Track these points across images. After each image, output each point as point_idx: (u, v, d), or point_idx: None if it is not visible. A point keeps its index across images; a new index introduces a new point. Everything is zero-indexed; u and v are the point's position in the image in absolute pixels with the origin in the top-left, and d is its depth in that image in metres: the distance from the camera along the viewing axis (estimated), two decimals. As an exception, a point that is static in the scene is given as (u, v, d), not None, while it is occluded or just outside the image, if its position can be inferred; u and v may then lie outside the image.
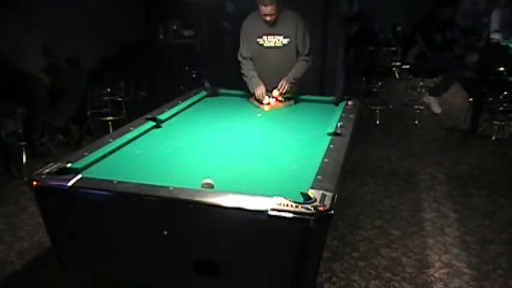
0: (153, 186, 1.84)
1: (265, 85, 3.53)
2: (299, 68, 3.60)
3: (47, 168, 2.01)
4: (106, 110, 5.10)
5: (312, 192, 1.81)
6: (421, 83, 6.19)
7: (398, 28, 8.31)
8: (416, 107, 5.96)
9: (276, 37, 3.57)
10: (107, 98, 5.11)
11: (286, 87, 3.46)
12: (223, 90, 3.79)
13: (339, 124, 2.75)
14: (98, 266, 2.10)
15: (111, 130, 4.72)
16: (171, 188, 1.81)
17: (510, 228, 3.31)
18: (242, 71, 3.70)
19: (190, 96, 3.52)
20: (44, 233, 2.81)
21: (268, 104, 3.40)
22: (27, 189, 2.59)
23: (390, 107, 6.28)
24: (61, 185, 1.87)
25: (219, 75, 5.52)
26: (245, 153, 2.48)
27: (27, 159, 4.01)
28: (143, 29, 6.73)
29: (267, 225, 1.67)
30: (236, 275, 1.86)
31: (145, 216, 1.87)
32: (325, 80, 5.84)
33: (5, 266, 2.76)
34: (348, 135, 2.61)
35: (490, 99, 5.22)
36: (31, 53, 4.16)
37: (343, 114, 3.05)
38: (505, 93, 5.09)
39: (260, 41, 3.61)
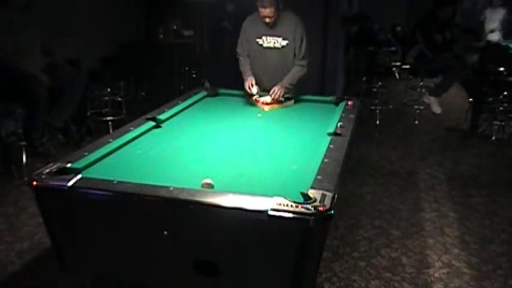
0: (153, 186, 1.84)
1: (265, 85, 3.55)
2: (294, 73, 3.60)
3: (47, 168, 2.01)
4: (106, 110, 5.11)
5: (312, 192, 1.81)
6: (421, 83, 6.20)
7: (398, 28, 8.31)
8: (416, 107, 5.96)
9: (275, 38, 3.58)
10: (107, 98, 5.11)
11: (278, 93, 3.46)
12: (223, 90, 3.80)
13: (339, 124, 2.75)
14: (98, 266, 2.10)
15: (111, 130, 4.73)
16: (171, 188, 1.81)
17: (510, 228, 3.31)
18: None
19: (190, 96, 3.52)
20: (44, 233, 2.81)
21: (258, 101, 3.43)
22: (27, 189, 2.58)
23: (390, 107, 6.28)
24: (61, 185, 1.87)
25: (219, 75, 5.53)
26: (245, 153, 2.48)
27: (27, 159, 4.01)
28: (143, 29, 6.73)
29: (267, 225, 1.67)
30: (236, 275, 1.86)
31: (145, 216, 1.87)
32: (325, 80, 5.84)
33: (5, 266, 2.75)
34: (348, 135, 2.61)
35: (490, 99, 5.22)
36: (31, 53, 4.16)
37: (343, 114, 3.06)
38: (505, 93, 5.09)
39: (260, 41, 3.62)
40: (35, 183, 1.92)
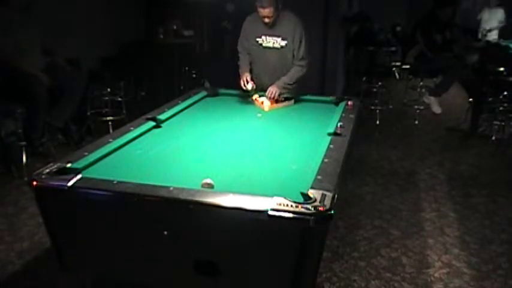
0: (153, 186, 1.84)
1: (265, 84, 3.55)
2: (291, 74, 3.60)
3: (47, 168, 2.00)
4: (106, 110, 5.11)
5: (312, 192, 1.81)
6: (421, 83, 6.20)
7: (398, 28, 8.32)
8: (416, 107, 5.97)
9: (274, 38, 3.58)
10: (107, 98, 5.11)
11: (274, 94, 3.45)
12: (223, 90, 3.79)
13: (339, 124, 2.75)
14: (98, 266, 2.10)
15: (111, 130, 4.73)
16: (171, 188, 1.81)
17: (510, 228, 3.31)
18: None
19: (190, 96, 3.52)
20: (44, 233, 2.81)
21: (257, 101, 3.43)
22: (27, 189, 2.58)
23: (390, 107, 6.28)
24: (61, 185, 1.87)
25: (219, 75, 5.52)
26: (245, 153, 2.48)
27: (27, 159, 4.01)
28: (143, 29, 6.73)
29: (267, 225, 1.67)
30: (236, 275, 1.86)
31: (145, 216, 1.87)
32: (325, 80, 5.84)
33: (5, 266, 2.76)
34: (348, 135, 2.61)
35: (490, 99, 5.22)
36: (31, 53, 4.16)
37: (343, 114, 3.06)
38: (505, 93, 5.09)
39: (259, 40, 3.62)
40: (35, 183, 1.92)
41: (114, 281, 2.23)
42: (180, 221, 1.83)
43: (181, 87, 6.36)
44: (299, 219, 1.64)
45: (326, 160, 2.18)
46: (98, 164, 2.22)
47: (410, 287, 2.63)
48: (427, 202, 3.69)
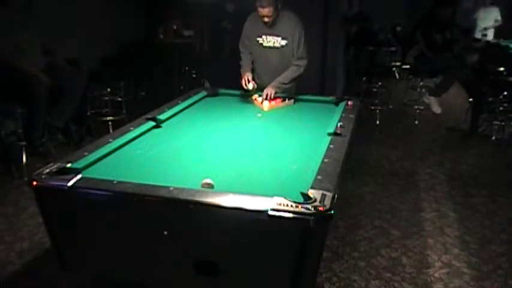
0: (153, 186, 1.84)
1: (266, 84, 3.55)
2: (288, 73, 3.59)
3: (47, 168, 2.00)
4: (106, 110, 5.11)
5: (312, 192, 1.81)
6: (421, 83, 6.20)
7: (398, 28, 8.33)
8: (416, 107, 5.97)
9: (274, 38, 3.59)
10: (107, 98, 5.11)
11: (270, 94, 3.45)
12: (223, 90, 3.79)
13: (339, 124, 2.75)
14: (98, 266, 2.10)
15: (111, 130, 4.73)
16: (171, 188, 1.81)
17: (510, 228, 3.31)
18: None
19: (190, 96, 3.52)
20: (44, 233, 2.81)
21: (257, 101, 3.44)
22: (27, 189, 2.58)
23: (390, 107, 6.28)
24: (61, 185, 1.87)
25: (219, 75, 5.52)
26: (245, 153, 2.48)
27: (27, 159, 4.01)
28: (143, 29, 6.74)
29: (267, 225, 1.67)
30: (236, 275, 1.86)
31: (145, 216, 1.87)
32: (325, 80, 5.84)
33: (5, 266, 2.75)
34: (348, 135, 2.61)
35: (490, 99, 5.22)
36: (31, 53, 4.16)
37: (343, 114, 3.05)
38: (505, 93, 5.09)
39: (260, 40, 3.63)
40: (35, 183, 1.91)
41: (114, 281, 2.23)
42: (180, 221, 1.83)
43: (181, 87, 6.36)
44: (299, 219, 1.64)
45: (326, 160, 2.18)
46: (98, 164, 2.22)
47: (410, 287, 2.63)
48: (427, 202, 3.69)
